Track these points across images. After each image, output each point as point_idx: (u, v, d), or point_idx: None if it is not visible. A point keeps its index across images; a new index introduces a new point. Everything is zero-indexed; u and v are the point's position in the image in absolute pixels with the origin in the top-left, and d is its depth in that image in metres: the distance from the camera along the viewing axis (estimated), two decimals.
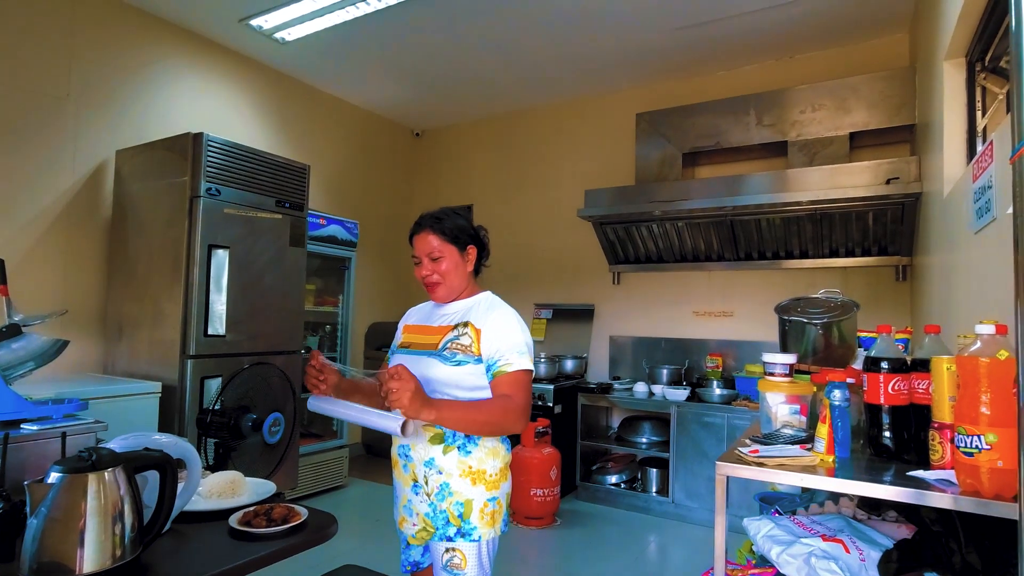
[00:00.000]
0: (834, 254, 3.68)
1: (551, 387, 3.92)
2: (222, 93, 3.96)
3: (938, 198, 2.52)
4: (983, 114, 2.23)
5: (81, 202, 3.22)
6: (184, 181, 2.92)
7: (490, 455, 1.45)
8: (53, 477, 0.97)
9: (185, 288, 2.87)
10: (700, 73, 4.23)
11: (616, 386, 4.09)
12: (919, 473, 1.17)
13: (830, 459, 1.29)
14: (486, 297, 1.54)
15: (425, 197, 5.51)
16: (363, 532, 3.26)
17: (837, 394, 1.36)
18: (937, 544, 1.18)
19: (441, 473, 1.41)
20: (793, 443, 1.38)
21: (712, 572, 1.30)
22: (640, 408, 3.97)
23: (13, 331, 1.78)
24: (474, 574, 1.39)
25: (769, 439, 1.43)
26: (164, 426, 2.81)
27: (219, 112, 3.93)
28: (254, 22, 3.57)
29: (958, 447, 1.06)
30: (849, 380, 1.44)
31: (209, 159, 2.93)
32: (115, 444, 1.16)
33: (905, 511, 1.37)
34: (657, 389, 3.85)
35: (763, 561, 1.38)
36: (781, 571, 1.27)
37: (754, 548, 1.41)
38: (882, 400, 1.32)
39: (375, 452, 4.88)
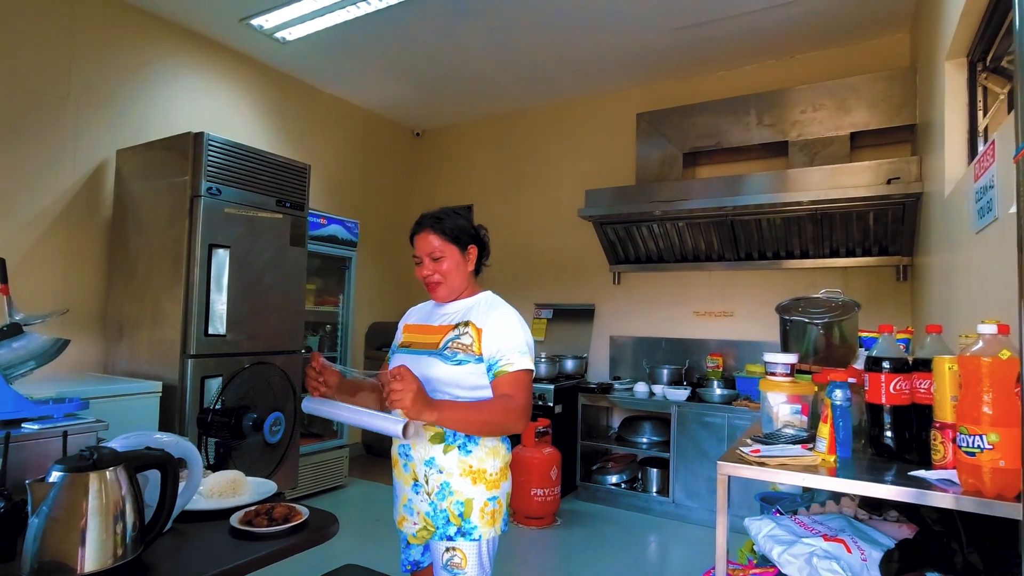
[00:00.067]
0: (835, 254, 3.68)
1: (551, 387, 3.92)
2: (223, 93, 3.96)
3: (939, 198, 2.52)
4: (984, 114, 2.23)
5: (82, 202, 3.22)
6: (185, 181, 2.92)
7: (490, 454, 1.45)
8: (54, 476, 0.97)
9: (185, 288, 2.87)
10: (700, 73, 4.23)
11: (616, 386, 4.09)
12: (921, 473, 1.17)
13: (831, 459, 1.29)
14: (487, 297, 1.54)
15: (425, 197, 5.51)
16: (363, 532, 3.26)
17: (839, 394, 1.36)
18: (939, 544, 1.18)
19: (442, 472, 1.41)
20: (794, 443, 1.38)
21: (713, 572, 1.30)
22: (640, 408, 3.97)
23: (14, 330, 1.78)
24: (474, 573, 1.39)
25: (770, 439, 1.43)
26: (165, 425, 2.81)
27: (220, 112, 3.93)
28: (254, 22, 3.57)
29: (960, 447, 1.06)
30: (850, 380, 1.43)
31: (210, 159, 2.93)
32: (116, 443, 1.16)
33: (907, 511, 1.37)
34: (657, 389, 3.85)
35: (764, 561, 1.38)
36: (782, 571, 1.27)
37: (755, 548, 1.41)
38: (884, 400, 1.32)
39: (375, 452, 4.88)
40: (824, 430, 1.31)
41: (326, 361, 1.43)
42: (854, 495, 1.48)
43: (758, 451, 1.33)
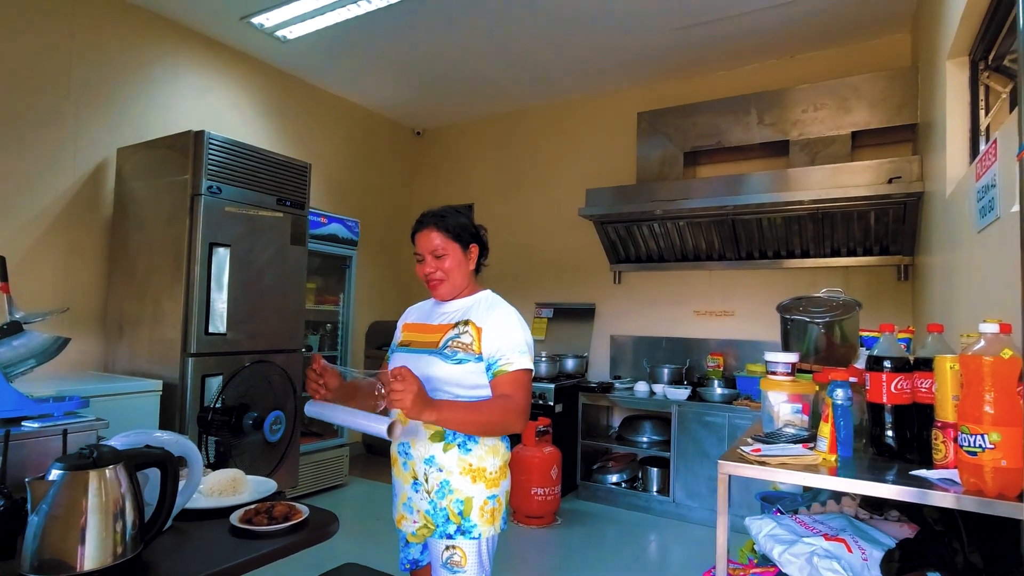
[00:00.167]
0: (835, 254, 3.67)
1: (552, 386, 3.92)
2: (223, 91, 3.96)
3: (940, 197, 2.52)
4: (986, 113, 2.23)
5: (82, 200, 3.22)
6: (185, 179, 2.92)
7: (490, 453, 1.44)
8: (54, 474, 0.97)
9: (186, 286, 2.87)
10: (701, 72, 4.23)
11: (617, 385, 4.09)
12: (922, 472, 1.17)
13: (832, 458, 1.28)
14: (486, 295, 1.54)
15: (426, 196, 5.51)
16: (363, 531, 3.26)
17: (840, 393, 1.35)
18: (940, 544, 1.18)
19: (441, 471, 1.41)
20: (795, 442, 1.38)
21: (714, 571, 1.30)
22: (641, 407, 3.97)
23: (14, 328, 1.78)
24: (474, 571, 1.39)
25: (771, 438, 1.42)
26: (165, 424, 2.81)
27: (220, 110, 3.93)
28: (255, 20, 3.57)
29: (961, 446, 1.06)
30: (851, 379, 1.43)
31: (210, 157, 2.92)
32: (116, 441, 1.16)
33: (908, 511, 1.37)
34: (658, 388, 3.85)
35: (765, 560, 1.38)
36: (783, 570, 1.27)
37: (756, 547, 1.41)
38: (885, 399, 1.31)
39: (376, 451, 4.88)
40: (825, 429, 1.31)
41: (327, 363, 1.43)
42: (855, 494, 1.47)
43: (759, 450, 1.33)
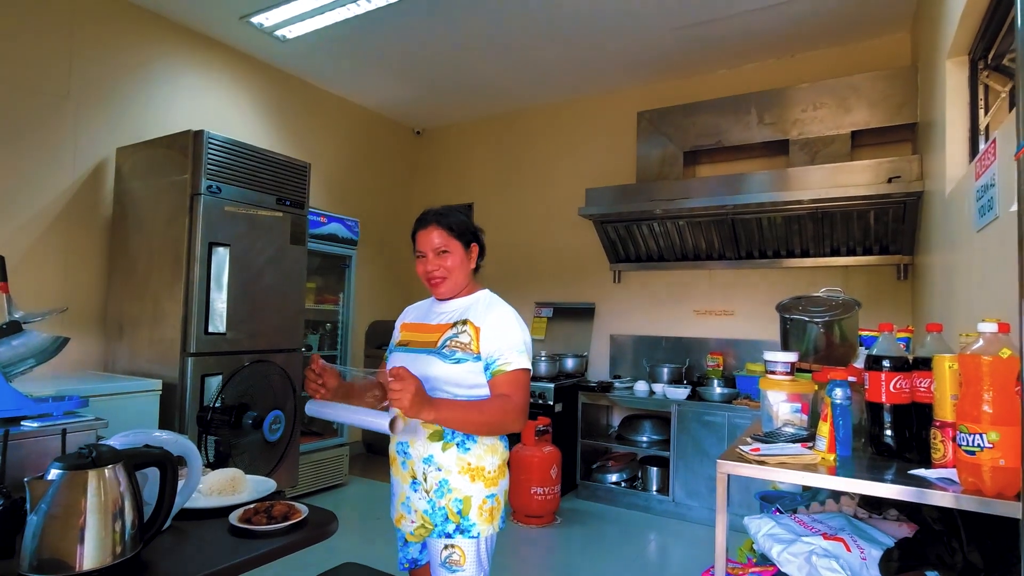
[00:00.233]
0: (835, 253, 3.67)
1: (551, 386, 3.92)
2: (223, 91, 3.96)
3: (940, 197, 2.52)
4: (986, 112, 2.23)
5: (82, 200, 3.22)
6: (185, 179, 2.92)
7: (489, 452, 1.45)
8: (53, 474, 0.97)
9: (185, 286, 2.87)
10: (701, 72, 4.22)
11: (617, 385, 4.09)
12: (921, 472, 1.17)
13: (831, 457, 1.28)
14: (485, 295, 1.54)
15: (425, 195, 5.50)
16: (363, 530, 3.26)
17: (839, 392, 1.36)
18: (939, 543, 1.18)
19: (440, 470, 1.41)
20: (794, 441, 1.38)
21: (713, 570, 1.30)
22: (641, 407, 3.97)
23: (13, 328, 1.78)
24: (473, 570, 1.39)
25: (770, 437, 1.42)
26: (165, 424, 2.81)
27: (220, 110, 3.93)
28: (255, 19, 3.57)
29: (960, 445, 1.06)
30: (850, 378, 1.43)
31: (210, 157, 2.92)
32: (115, 441, 1.16)
33: (906, 510, 1.37)
34: (658, 388, 3.85)
35: (764, 560, 1.38)
36: (782, 570, 1.27)
37: (755, 547, 1.41)
38: (884, 398, 1.32)
39: (375, 450, 4.88)
40: (824, 429, 1.31)
41: (326, 363, 1.44)
42: (854, 494, 1.48)
43: (758, 450, 1.33)
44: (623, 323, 4.47)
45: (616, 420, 4.32)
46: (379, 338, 4.77)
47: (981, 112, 2.24)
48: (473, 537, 1.39)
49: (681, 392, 3.68)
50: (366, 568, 2.17)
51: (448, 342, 1.44)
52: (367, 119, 5.14)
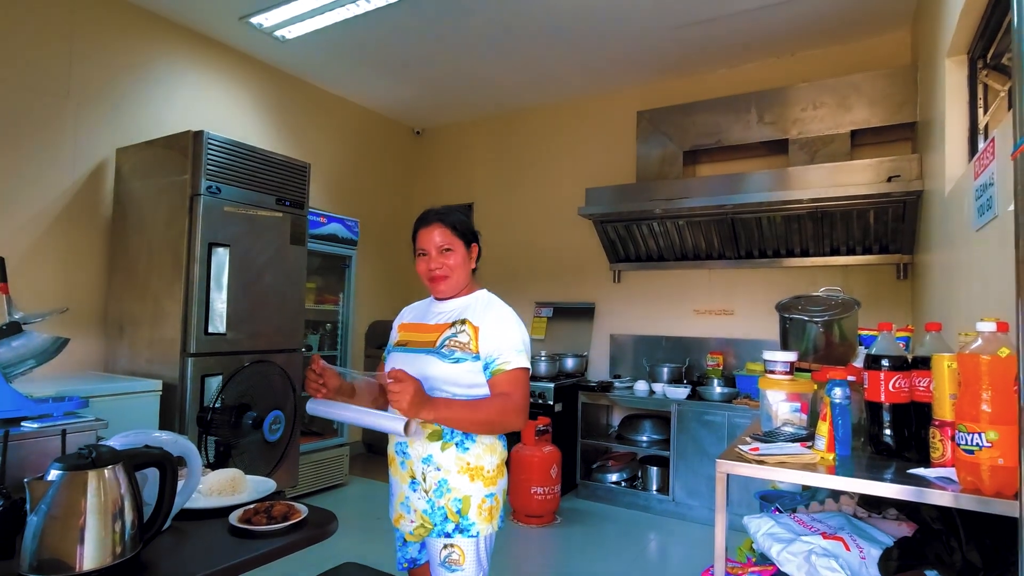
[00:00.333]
0: (835, 252, 3.67)
1: (551, 385, 3.92)
2: (222, 91, 3.96)
3: (939, 196, 2.52)
4: (985, 111, 2.23)
5: (82, 200, 3.22)
6: (184, 179, 2.92)
7: (488, 451, 1.45)
8: (53, 474, 0.97)
9: (185, 286, 2.87)
10: (701, 71, 4.22)
11: (616, 384, 4.09)
12: (920, 471, 1.17)
13: (831, 457, 1.29)
14: (483, 295, 1.55)
15: (425, 195, 5.50)
16: (363, 530, 3.26)
17: (838, 392, 1.36)
18: (938, 542, 1.18)
19: (439, 470, 1.41)
20: (794, 441, 1.38)
21: (712, 570, 1.30)
22: (640, 406, 3.97)
23: (13, 329, 1.78)
24: (472, 569, 1.39)
25: (769, 437, 1.42)
26: (165, 424, 2.81)
27: (219, 110, 3.93)
28: (254, 20, 3.57)
29: (959, 445, 1.06)
30: (850, 378, 1.43)
31: (209, 157, 2.92)
32: (115, 441, 1.16)
33: (906, 509, 1.37)
34: (658, 387, 3.85)
35: (763, 559, 1.38)
36: (781, 569, 1.27)
37: (754, 546, 1.41)
38: (883, 398, 1.32)
39: (375, 450, 4.88)
40: (823, 428, 1.31)
41: (326, 363, 1.44)
42: (853, 493, 1.48)
43: (757, 449, 1.33)
44: (623, 323, 4.47)
45: (616, 420, 4.32)
46: (379, 338, 4.77)
47: (980, 111, 2.24)
48: (472, 536, 1.40)
49: (681, 392, 3.69)
50: (366, 568, 2.17)
51: (447, 342, 1.44)
52: (367, 119, 5.14)
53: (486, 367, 1.41)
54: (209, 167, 2.92)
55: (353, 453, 4.44)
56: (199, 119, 3.72)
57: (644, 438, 3.97)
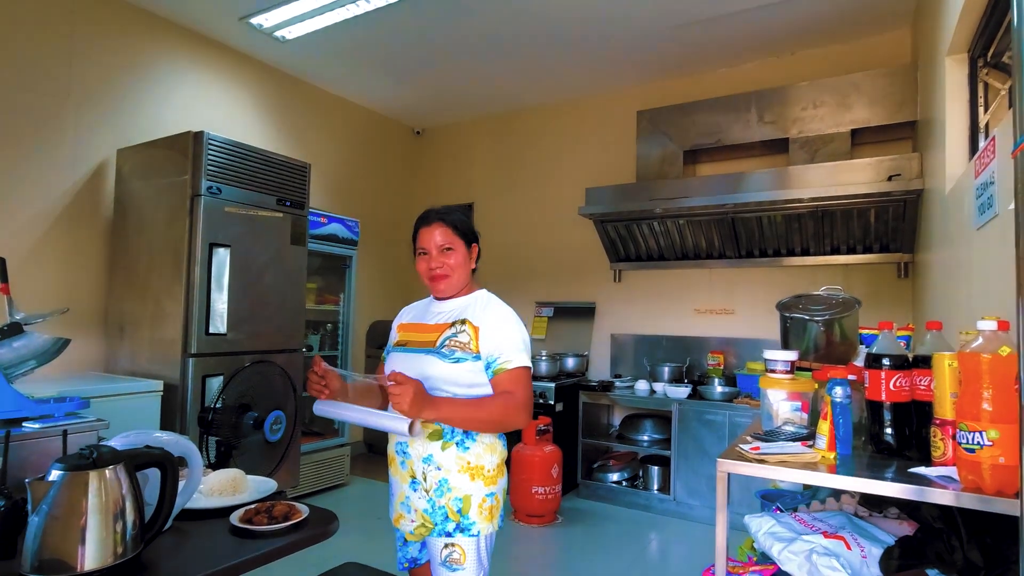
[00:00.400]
0: (835, 251, 3.67)
1: (552, 385, 3.92)
2: (223, 91, 3.96)
3: (940, 195, 2.51)
4: (985, 110, 2.23)
5: (82, 201, 3.23)
6: (185, 180, 2.92)
7: (488, 450, 1.45)
8: (54, 475, 0.97)
9: (186, 287, 2.87)
10: (701, 70, 4.22)
11: (617, 384, 4.09)
12: (921, 470, 1.17)
13: (831, 456, 1.28)
14: (483, 295, 1.55)
15: (426, 195, 5.50)
16: (364, 530, 3.26)
17: (839, 391, 1.35)
18: (939, 541, 1.18)
19: (440, 469, 1.41)
20: (794, 440, 1.38)
21: (713, 569, 1.30)
22: (641, 406, 3.97)
23: (14, 329, 1.78)
24: (473, 568, 1.40)
25: (770, 436, 1.42)
26: (166, 424, 2.81)
27: (220, 110, 3.93)
28: (254, 20, 3.57)
29: (960, 443, 1.06)
30: (851, 377, 1.43)
31: (210, 158, 2.93)
32: (116, 442, 1.16)
33: (907, 508, 1.37)
34: (658, 387, 3.85)
35: (764, 558, 1.38)
36: (782, 568, 1.27)
37: (755, 545, 1.41)
38: (884, 397, 1.31)
39: (376, 450, 4.88)
40: (824, 427, 1.31)
41: (328, 365, 1.44)
42: (854, 492, 1.47)
43: (758, 448, 1.33)
44: (624, 322, 4.47)
45: (617, 419, 4.32)
46: (380, 338, 4.77)
47: (981, 110, 2.24)
48: (473, 535, 1.40)
49: (682, 391, 3.68)
50: (367, 568, 2.17)
51: (447, 341, 1.45)
52: (367, 119, 5.14)
53: (488, 367, 1.41)
54: (210, 167, 2.92)
55: (354, 453, 4.45)
56: (200, 119, 3.72)
57: (645, 437, 3.97)
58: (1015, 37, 0.85)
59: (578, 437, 4.01)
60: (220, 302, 2.95)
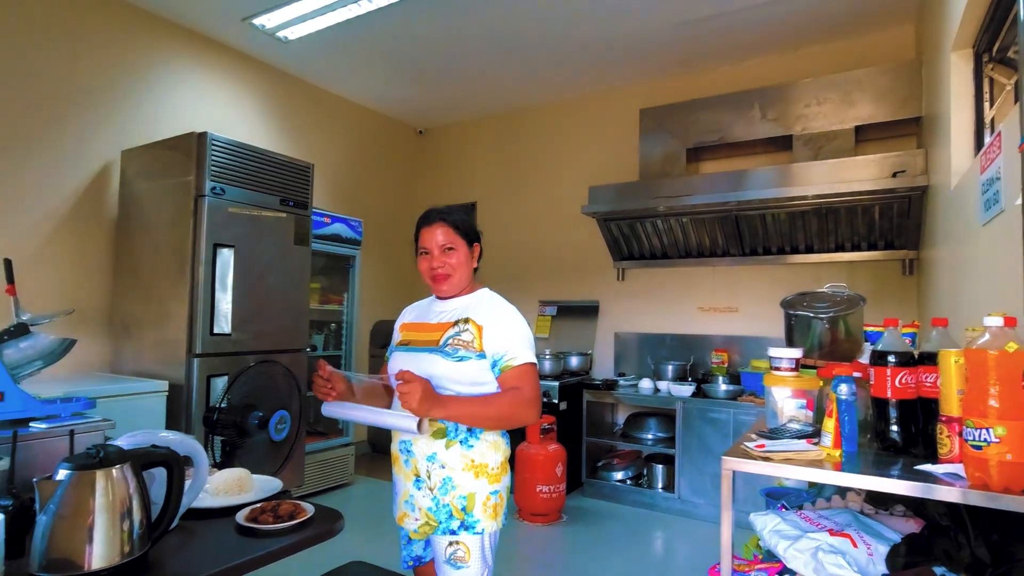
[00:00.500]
0: (840, 249, 3.66)
1: (556, 384, 3.92)
2: (226, 92, 3.97)
3: (945, 191, 2.50)
4: (991, 105, 2.21)
5: (87, 202, 3.24)
6: (189, 180, 2.93)
7: (491, 448, 1.45)
8: (62, 474, 0.98)
9: (191, 287, 2.88)
10: (704, 68, 4.21)
11: (621, 382, 4.08)
12: (927, 467, 1.17)
13: (837, 453, 1.28)
14: (485, 293, 1.55)
15: (429, 195, 5.51)
16: (369, 528, 3.27)
17: (844, 388, 1.35)
18: (945, 538, 1.18)
19: (444, 467, 1.41)
20: (799, 437, 1.37)
21: (719, 567, 1.30)
22: (645, 404, 3.97)
23: (21, 330, 1.79)
24: (477, 566, 1.40)
25: (775, 434, 1.42)
26: (171, 424, 2.82)
27: (223, 111, 3.94)
28: (256, 21, 3.58)
29: (966, 440, 1.05)
30: (856, 374, 1.43)
31: (213, 158, 2.93)
32: (122, 441, 1.17)
33: (913, 505, 1.37)
34: (662, 385, 3.84)
35: (770, 556, 1.38)
36: (788, 566, 1.27)
37: (761, 543, 1.41)
38: (889, 394, 1.31)
39: (381, 450, 4.89)
40: (829, 425, 1.31)
41: (333, 368, 1.45)
42: (860, 490, 1.47)
43: (763, 446, 1.32)
44: (627, 321, 4.47)
45: (621, 418, 4.32)
46: (383, 338, 4.78)
47: (986, 105, 2.23)
48: (477, 533, 1.40)
49: (686, 389, 3.68)
50: (373, 567, 2.18)
51: (451, 340, 1.45)
52: (370, 119, 5.15)
53: (494, 364, 1.42)
54: (213, 168, 2.93)
55: (358, 452, 4.46)
56: (203, 120, 3.74)
57: (649, 436, 3.96)
58: (1021, 32, 0.85)
59: (582, 436, 4.01)
60: (224, 302, 2.96)
